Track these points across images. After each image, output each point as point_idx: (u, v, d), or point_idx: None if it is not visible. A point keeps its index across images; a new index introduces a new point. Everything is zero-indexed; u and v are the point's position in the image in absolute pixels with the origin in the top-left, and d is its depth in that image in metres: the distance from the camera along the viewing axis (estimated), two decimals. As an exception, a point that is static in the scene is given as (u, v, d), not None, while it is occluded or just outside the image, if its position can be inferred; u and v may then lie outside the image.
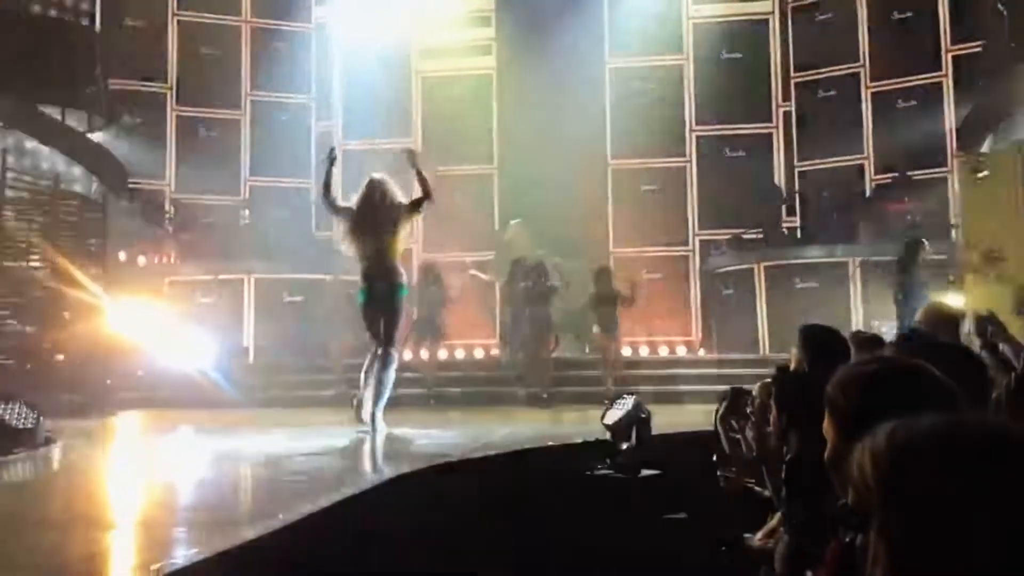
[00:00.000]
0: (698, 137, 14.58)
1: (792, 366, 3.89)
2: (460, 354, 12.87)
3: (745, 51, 14.59)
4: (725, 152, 14.49)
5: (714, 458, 4.54)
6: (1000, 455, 0.93)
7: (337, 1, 15.05)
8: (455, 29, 14.82)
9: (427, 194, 7.57)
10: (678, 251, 14.13)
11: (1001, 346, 4.38)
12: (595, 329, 11.13)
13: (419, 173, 7.65)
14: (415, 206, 7.60)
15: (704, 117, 14.57)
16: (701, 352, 12.89)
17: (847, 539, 2.16)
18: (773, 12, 14.59)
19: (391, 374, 7.44)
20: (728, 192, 14.25)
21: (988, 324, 4.59)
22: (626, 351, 12.77)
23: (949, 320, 4.54)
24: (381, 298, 7.32)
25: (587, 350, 13.10)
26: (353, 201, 7.61)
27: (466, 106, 14.84)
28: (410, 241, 9.98)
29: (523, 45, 14.30)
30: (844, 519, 1.08)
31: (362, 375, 7.61)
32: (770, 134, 14.53)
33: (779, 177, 14.27)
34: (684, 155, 14.56)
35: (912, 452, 0.96)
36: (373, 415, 7.36)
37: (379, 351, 7.35)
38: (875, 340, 4.88)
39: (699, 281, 14.18)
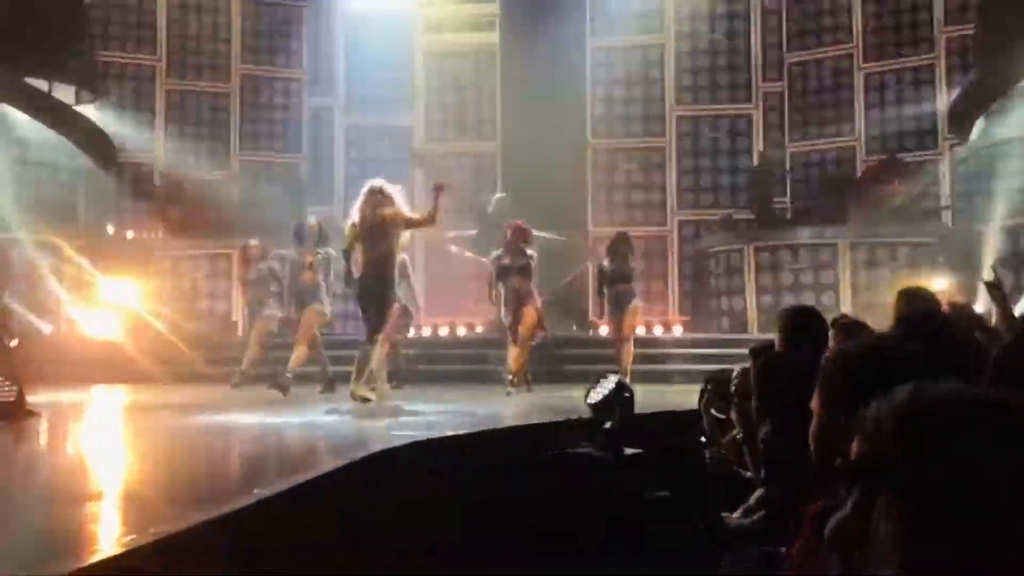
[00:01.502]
0: (678, 117, 14.59)
1: (776, 346, 3.89)
2: (444, 331, 12.89)
3: (727, 30, 14.60)
4: (705, 132, 14.53)
5: (701, 439, 4.54)
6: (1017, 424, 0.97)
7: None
8: (459, 3, 14.78)
9: (432, 221, 8.01)
10: (656, 231, 14.15)
11: (977, 334, 4.36)
12: (608, 308, 10.13)
13: (436, 207, 7.93)
14: (415, 224, 8.00)
15: (684, 97, 14.58)
16: (678, 331, 12.84)
17: (826, 504, 2.15)
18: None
19: (375, 355, 7.78)
20: (707, 172, 14.38)
21: (964, 313, 4.58)
22: (603, 330, 12.60)
23: (927, 305, 4.52)
24: (373, 294, 7.79)
25: (574, 327, 13.08)
26: (354, 212, 7.91)
27: (469, 81, 14.81)
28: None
29: (527, 21, 14.31)
30: (857, 473, 1.11)
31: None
32: (750, 115, 14.54)
33: (754, 158, 14.29)
34: (663, 135, 14.58)
35: (937, 414, 1.00)
36: (353, 391, 7.68)
37: (367, 335, 7.82)
38: (859, 326, 4.88)
39: (677, 261, 14.26)
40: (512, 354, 9.42)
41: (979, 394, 1.02)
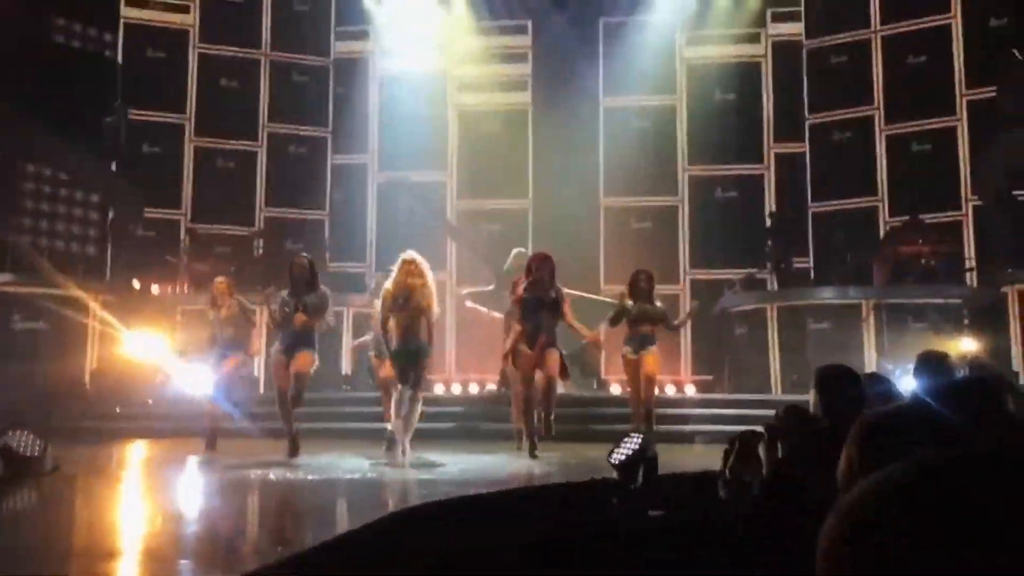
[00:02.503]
0: (690, 177, 14.74)
1: (811, 408, 3.86)
2: (466, 388, 12.89)
3: (738, 92, 14.78)
4: (717, 192, 14.64)
5: (721, 495, 4.48)
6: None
7: (375, 34, 15.30)
8: (491, 64, 15.06)
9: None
10: (669, 289, 14.15)
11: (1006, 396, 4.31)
12: (626, 351, 9.29)
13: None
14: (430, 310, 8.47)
15: (696, 157, 14.72)
16: (690, 391, 12.73)
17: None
18: (766, 55, 14.77)
19: (418, 410, 8.32)
20: (719, 232, 14.47)
21: (987, 373, 4.53)
22: (615, 389, 12.34)
23: (941, 368, 4.49)
24: (413, 353, 8.30)
25: (594, 386, 13.01)
26: (389, 281, 8.42)
27: (502, 140, 15.04)
28: (443, 275, 9.84)
29: (557, 82, 14.62)
30: None
31: (392, 415, 8.54)
32: (762, 175, 14.65)
33: (767, 219, 14.33)
34: (676, 194, 14.70)
35: (870, 510, 0.90)
36: (404, 445, 8.19)
37: (408, 393, 8.28)
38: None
39: (690, 320, 14.22)
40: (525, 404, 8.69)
41: (908, 476, 0.90)
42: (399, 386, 8.39)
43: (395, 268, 8.43)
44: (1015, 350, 10.65)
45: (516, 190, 14.93)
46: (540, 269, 8.72)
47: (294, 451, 8.36)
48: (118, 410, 11.26)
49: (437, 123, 15.12)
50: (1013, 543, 0.79)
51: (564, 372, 8.78)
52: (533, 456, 8.42)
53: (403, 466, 7.87)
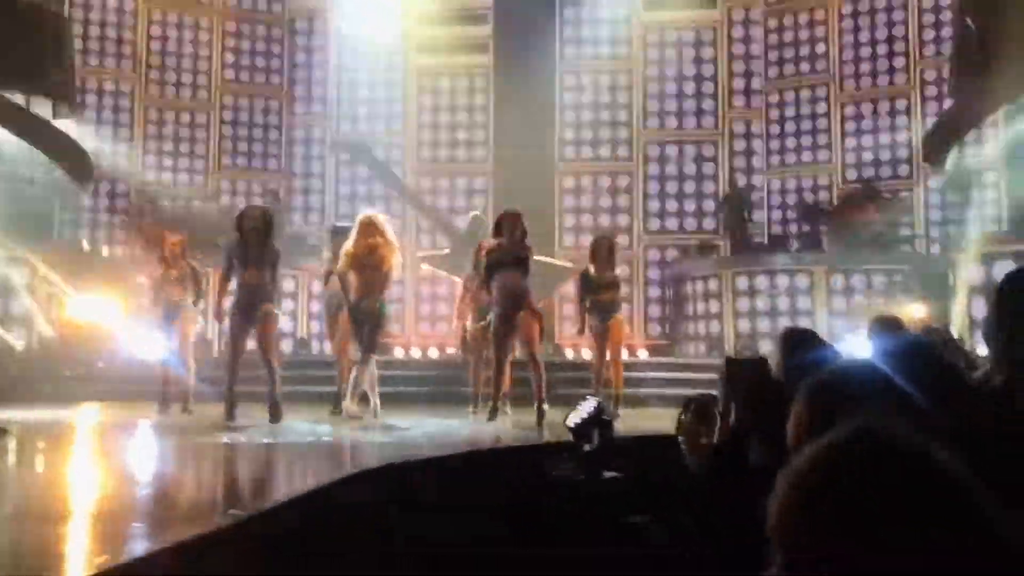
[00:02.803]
0: (646, 141, 14.76)
1: (773, 370, 3.88)
2: (428, 353, 12.86)
3: (695, 57, 14.80)
4: (672, 157, 14.71)
5: (683, 455, 4.51)
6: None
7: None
8: (452, 25, 14.87)
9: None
10: (623, 253, 14.22)
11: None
12: (593, 322, 9.15)
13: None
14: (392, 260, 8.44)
15: (652, 121, 14.73)
16: (643, 355, 12.81)
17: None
18: (722, 20, 14.77)
19: (369, 372, 8.33)
20: (673, 197, 14.54)
21: (941, 337, 4.60)
22: (569, 353, 12.48)
23: (895, 332, 4.55)
24: (367, 313, 8.23)
25: (549, 351, 13.04)
26: (349, 241, 8.34)
27: (462, 102, 14.91)
28: (402, 240, 9.67)
29: (519, 43, 14.49)
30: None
31: (350, 376, 8.51)
32: (716, 140, 14.71)
33: (722, 184, 14.45)
34: (631, 158, 14.71)
35: (815, 471, 0.90)
36: (350, 408, 8.23)
37: (361, 354, 8.31)
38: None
39: (643, 284, 14.35)
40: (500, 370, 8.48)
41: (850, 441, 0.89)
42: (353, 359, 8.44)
43: (354, 229, 8.34)
44: (963, 316, 10.85)
45: (475, 152, 14.85)
46: (514, 227, 8.45)
47: (230, 415, 8.03)
48: (67, 373, 11.08)
49: (396, 83, 14.94)
50: (963, 513, 0.80)
51: (540, 336, 8.57)
52: (491, 419, 8.43)
53: (356, 427, 7.84)
